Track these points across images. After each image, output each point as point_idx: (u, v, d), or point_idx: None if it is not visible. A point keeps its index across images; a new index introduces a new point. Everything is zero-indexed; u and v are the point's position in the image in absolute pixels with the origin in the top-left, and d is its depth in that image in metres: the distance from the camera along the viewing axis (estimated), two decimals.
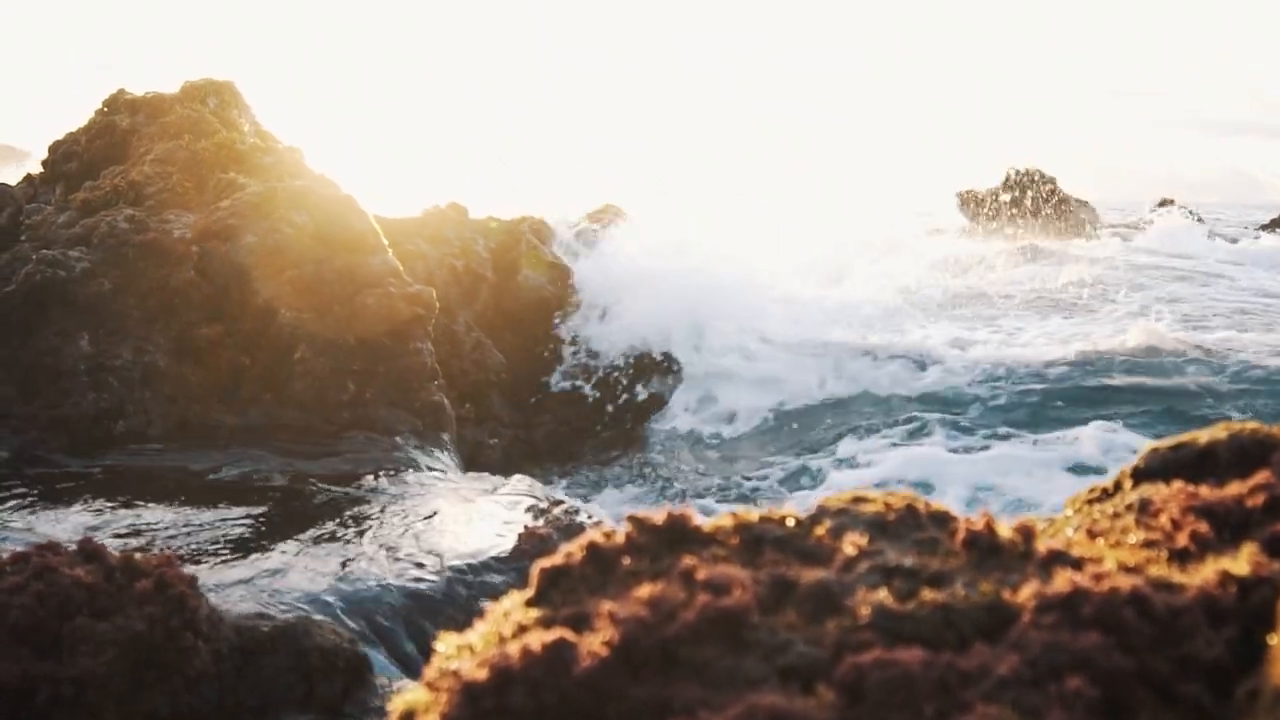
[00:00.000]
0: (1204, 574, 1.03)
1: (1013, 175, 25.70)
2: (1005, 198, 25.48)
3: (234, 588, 3.32)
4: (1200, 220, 25.07)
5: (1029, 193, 25.37)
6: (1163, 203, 26.50)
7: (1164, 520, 1.20)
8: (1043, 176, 25.50)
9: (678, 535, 1.14)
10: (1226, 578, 1.01)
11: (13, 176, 8.20)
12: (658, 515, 1.16)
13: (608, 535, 1.16)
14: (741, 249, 11.00)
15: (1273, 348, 9.51)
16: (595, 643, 0.96)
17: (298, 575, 3.48)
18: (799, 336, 9.32)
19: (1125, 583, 1.00)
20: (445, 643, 1.08)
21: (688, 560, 1.07)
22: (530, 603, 1.11)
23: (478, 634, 1.08)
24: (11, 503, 4.34)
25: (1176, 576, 1.04)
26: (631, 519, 1.19)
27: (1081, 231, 24.43)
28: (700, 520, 1.19)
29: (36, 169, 7.22)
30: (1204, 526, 1.15)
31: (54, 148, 6.97)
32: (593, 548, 1.13)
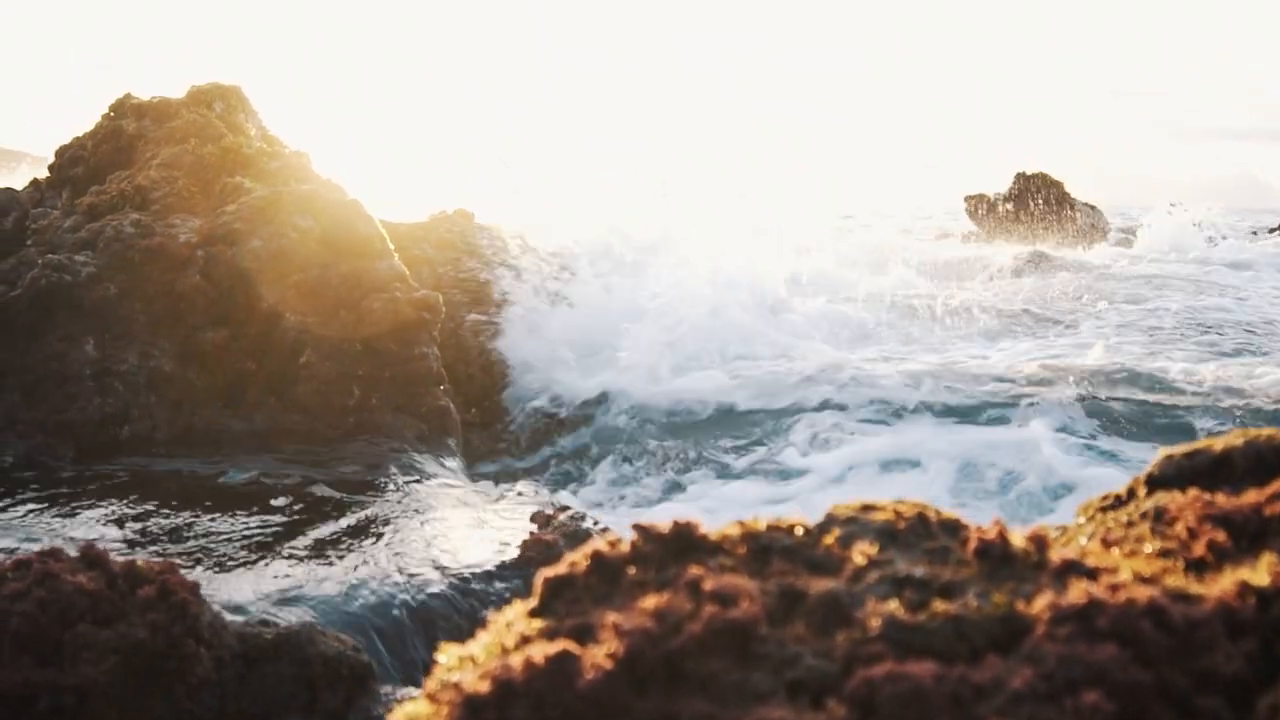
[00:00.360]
0: (1222, 585, 1.01)
1: (1020, 179, 25.69)
2: (1011, 204, 25.47)
3: (237, 594, 3.31)
4: (1208, 225, 24.98)
5: (1036, 197, 25.36)
6: (1170, 207, 26.44)
7: (1180, 529, 1.18)
8: (1050, 180, 25.48)
9: (684, 544, 1.12)
10: (1245, 589, 0.99)
11: (9, 179, 8.20)
12: (663, 524, 1.14)
13: (613, 544, 1.14)
14: (740, 255, 10.93)
15: (1249, 375, 8.73)
16: (599, 655, 0.94)
17: (302, 581, 3.46)
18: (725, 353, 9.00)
19: (1142, 594, 0.98)
20: (447, 654, 1.06)
21: (694, 570, 1.05)
22: (533, 613, 1.09)
23: (480, 645, 1.06)
24: (16, 508, 4.33)
25: (1194, 587, 1.02)
26: (637, 527, 1.17)
27: (1088, 236, 24.40)
28: (707, 529, 1.17)
29: (30, 170, 7.23)
30: (1221, 535, 1.13)
31: (60, 152, 6.98)
32: (597, 557, 1.11)
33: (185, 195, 6.35)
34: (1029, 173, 25.80)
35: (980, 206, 26.12)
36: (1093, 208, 26.18)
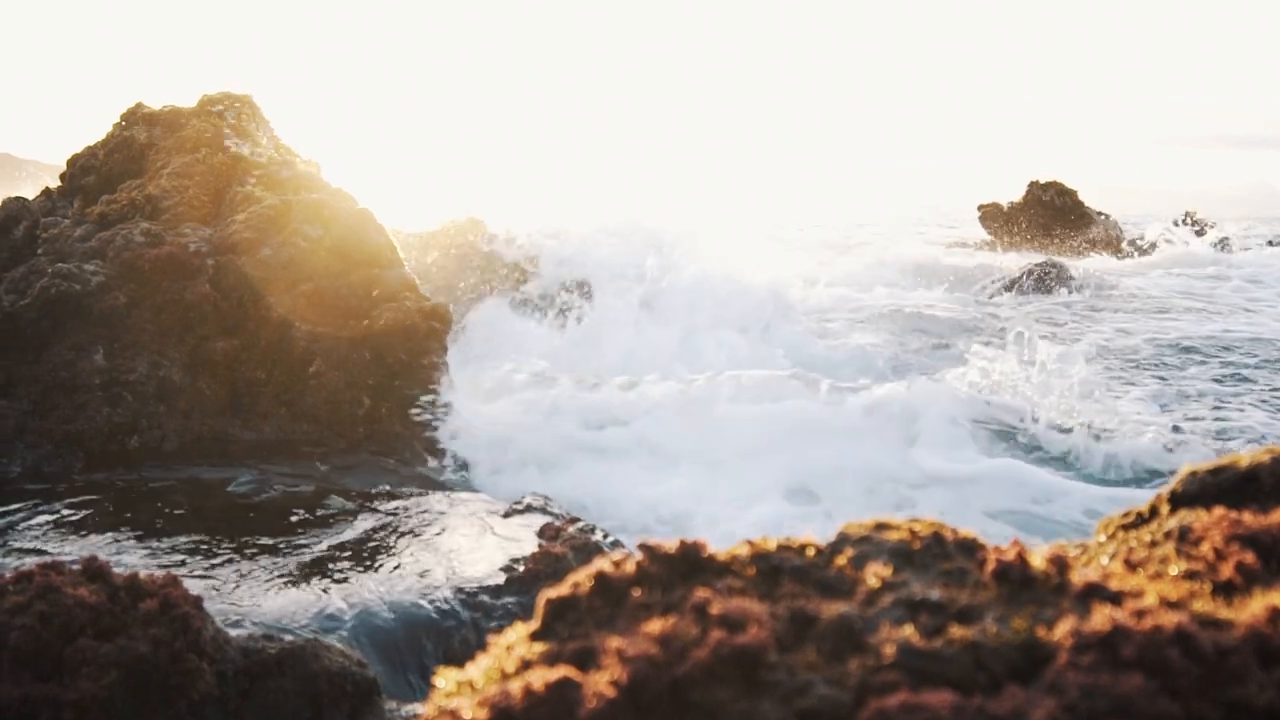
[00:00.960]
0: (1252, 610, 0.97)
1: (1034, 188, 25.61)
2: (1024, 213, 25.41)
3: (242, 607, 3.28)
4: (1224, 237, 24.81)
5: (1050, 207, 25.28)
6: (1185, 218, 26.30)
7: (1206, 549, 1.13)
8: (1064, 190, 25.40)
9: (691, 565, 1.09)
10: (1277, 614, 0.94)
11: (16, 187, 8.22)
12: (670, 544, 1.10)
13: (617, 564, 1.11)
14: (740, 269, 10.88)
15: (1210, 422, 8.02)
16: (602, 682, 0.90)
17: (307, 594, 3.43)
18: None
19: (1168, 620, 0.93)
20: (445, 678, 1.02)
21: (701, 593, 1.01)
22: (535, 636, 1.05)
23: (479, 669, 1.02)
24: (24, 519, 4.31)
25: (1223, 612, 0.97)
26: (643, 546, 1.13)
27: (1101, 246, 24.30)
28: (714, 549, 1.13)
29: (35, 178, 7.26)
30: (1250, 557, 1.09)
31: (72, 161, 6.98)
32: (601, 578, 1.07)
33: (196, 204, 6.34)
34: (1042, 181, 25.74)
35: (994, 215, 26.06)
36: (1106, 216, 26.08)
